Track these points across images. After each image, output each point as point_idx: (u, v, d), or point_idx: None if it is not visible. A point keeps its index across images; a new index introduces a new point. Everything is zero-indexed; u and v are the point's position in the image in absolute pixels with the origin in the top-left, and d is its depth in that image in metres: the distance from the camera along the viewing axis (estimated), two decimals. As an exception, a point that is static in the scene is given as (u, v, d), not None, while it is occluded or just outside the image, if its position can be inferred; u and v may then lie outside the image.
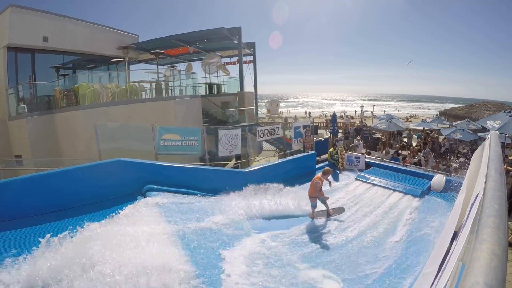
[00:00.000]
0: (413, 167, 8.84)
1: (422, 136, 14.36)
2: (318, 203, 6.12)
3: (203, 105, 12.21)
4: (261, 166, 8.03)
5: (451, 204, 5.94)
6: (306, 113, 37.52)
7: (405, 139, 15.29)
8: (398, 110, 45.52)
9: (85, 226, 4.18)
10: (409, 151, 12.12)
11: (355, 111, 36.78)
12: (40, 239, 3.69)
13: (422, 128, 15.52)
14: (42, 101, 9.98)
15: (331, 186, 6.53)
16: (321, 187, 5.91)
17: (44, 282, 3.21)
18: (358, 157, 9.36)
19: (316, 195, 5.93)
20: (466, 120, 15.52)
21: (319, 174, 6.08)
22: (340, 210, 6.37)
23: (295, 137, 9.44)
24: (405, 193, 7.13)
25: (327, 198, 6.14)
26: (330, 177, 6.35)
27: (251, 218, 5.68)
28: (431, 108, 53.63)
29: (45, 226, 4.44)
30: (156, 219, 4.82)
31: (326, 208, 6.15)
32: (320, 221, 5.97)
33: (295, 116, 30.65)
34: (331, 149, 9.64)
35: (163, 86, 11.36)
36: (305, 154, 9.03)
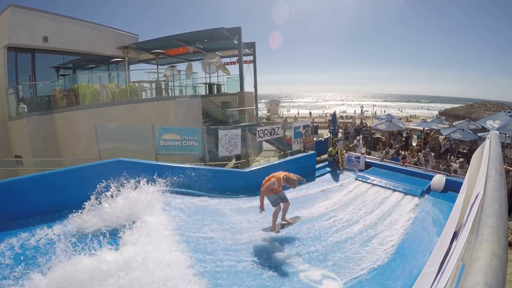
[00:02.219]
0: (413, 167, 8.84)
1: (422, 136, 14.37)
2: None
3: (203, 105, 12.21)
4: (261, 166, 8.02)
5: (451, 204, 5.94)
6: (298, 113, 36.98)
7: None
8: (400, 111, 45.42)
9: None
10: (409, 151, 12.12)
11: (354, 111, 36.84)
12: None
13: (422, 128, 15.53)
14: (42, 101, 9.98)
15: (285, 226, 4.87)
16: (275, 191, 4.64)
17: None
18: (358, 157, 9.36)
19: (266, 193, 4.63)
20: (466, 120, 15.52)
21: (283, 175, 4.69)
22: (296, 219, 5.17)
23: (295, 137, 9.44)
24: (405, 193, 7.13)
25: (280, 208, 4.71)
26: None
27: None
28: (430, 109, 53.57)
29: (44, 226, 4.43)
30: None
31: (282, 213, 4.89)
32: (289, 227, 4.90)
33: (295, 116, 30.69)
34: (330, 148, 9.65)
35: (163, 86, 11.37)
36: (305, 154, 9.03)
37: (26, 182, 5.05)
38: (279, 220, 4.80)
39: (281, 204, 4.70)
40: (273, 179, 4.57)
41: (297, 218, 5.24)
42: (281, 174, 4.70)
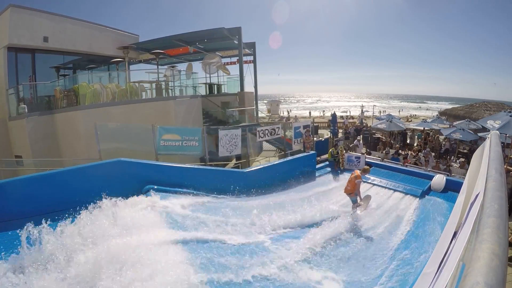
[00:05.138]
0: (413, 167, 8.83)
1: (422, 136, 14.37)
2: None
3: (203, 105, 12.20)
4: (261, 166, 8.03)
5: (451, 204, 5.94)
6: (289, 113, 35.88)
7: (407, 140, 15.29)
8: (400, 111, 45.29)
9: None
10: (410, 151, 12.12)
11: (350, 111, 36.91)
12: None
13: (422, 128, 15.53)
14: (42, 101, 9.97)
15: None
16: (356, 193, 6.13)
17: None
18: (358, 157, 9.36)
19: (356, 192, 6.14)
20: (466, 120, 15.52)
21: (358, 172, 6.17)
22: (368, 197, 6.62)
23: (295, 137, 9.43)
24: (406, 193, 7.12)
25: (360, 198, 6.30)
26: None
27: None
28: (429, 109, 53.48)
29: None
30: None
31: (358, 203, 6.34)
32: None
33: (295, 116, 30.65)
34: (331, 149, 9.65)
35: (163, 86, 11.35)
36: (305, 154, 9.03)
37: (25, 182, 5.05)
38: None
39: (358, 200, 6.30)
40: (357, 179, 6.05)
41: (368, 197, 6.64)
42: (356, 172, 6.17)
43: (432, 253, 3.34)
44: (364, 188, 7.70)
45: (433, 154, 11.59)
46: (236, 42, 13.26)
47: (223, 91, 15.21)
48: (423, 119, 19.76)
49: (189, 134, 7.65)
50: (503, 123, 8.52)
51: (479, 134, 12.67)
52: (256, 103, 15.69)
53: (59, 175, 5.32)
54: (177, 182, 6.37)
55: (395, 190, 7.34)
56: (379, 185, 7.72)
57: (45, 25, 10.89)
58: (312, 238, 5.11)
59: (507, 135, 9.36)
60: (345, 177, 8.62)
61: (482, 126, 11.67)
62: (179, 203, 5.66)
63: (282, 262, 4.29)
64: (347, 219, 5.94)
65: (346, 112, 37.13)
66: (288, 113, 33.76)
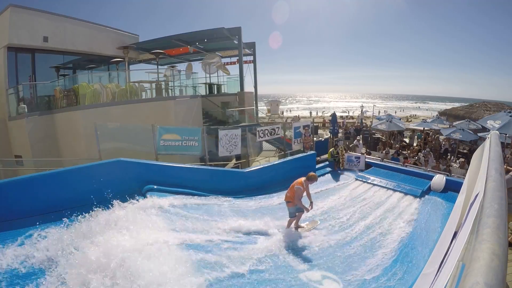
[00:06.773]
0: (413, 167, 8.83)
1: (422, 136, 14.38)
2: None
3: (203, 105, 12.21)
4: (261, 166, 8.03)
5: (451, 204, 5.93)
6: (282, 113, 35.47)
7: (406, 140, 15.30)
8: (402, 110, 45.34)
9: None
10: (409, 151, 12.12)
11: (348, 110, 36.97)
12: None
13: (422, 128, 15.54)
14: (42, 101, 9.98)
15: (311, 207, 5.20)
16: (302, 195, 5.06)
17: None
18: (358, 157, 9.36)
19: (296, 201, 5.02)
20: (466, 120, 15.53)
21: (301, 178, 5.12)
22: (314, 223, 5.65)
23: (295, 137, 9.43)
24: (405, 193, 7.12)
25: (307, 210, 5.08)
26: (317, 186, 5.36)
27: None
28: (429, 109, 53.53)
29: (43, 226, 4.42)
30: None
31: (295, 221, 5.25)
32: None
33: (294, 116, 30.68)
34: (331, 149, 9.64)
35: (163, 86, 11.35)
36: (305, 154, 9.02)
37: (25, 182, 5.04)
38: (292, 225, 5.36)
39: (297, 214, 5.23)
40: (297, 185, 4.97)
41: (315, 222, 5.70)
42: (300, 179, 5.10)
43: (432, 253, 3.34)
44: (364, 188, 7.71)
45: (432, 154, 11.59)
46: (236, 42, 13.26)
47: (223, 91, 15.22)
48: (423, 119, 19.79)
49: (189, 134, 7.64)
50: (503, 123, 8.52)
51: (479, 134, 12.68)
52: (256, 103, 15.69)
53: (59, 175, 5.31)
54: (177, 182, 6.36)
55: (395, 190, 7.34)
56: (379, 185, 7.71)
57: (45, 25, 10.89)
58: (312, 236, 5.12)
59: (507, 135, 9.36)
60: (345, 177, 8.64)
61: (482, 126, 11.68)
62: (178, 203, 5.65)
63: (283, 263, 4.30)
64: (346, 218, 5.95)
65: (345, 112, 37.16)
66: (282, 113, 33.80)
